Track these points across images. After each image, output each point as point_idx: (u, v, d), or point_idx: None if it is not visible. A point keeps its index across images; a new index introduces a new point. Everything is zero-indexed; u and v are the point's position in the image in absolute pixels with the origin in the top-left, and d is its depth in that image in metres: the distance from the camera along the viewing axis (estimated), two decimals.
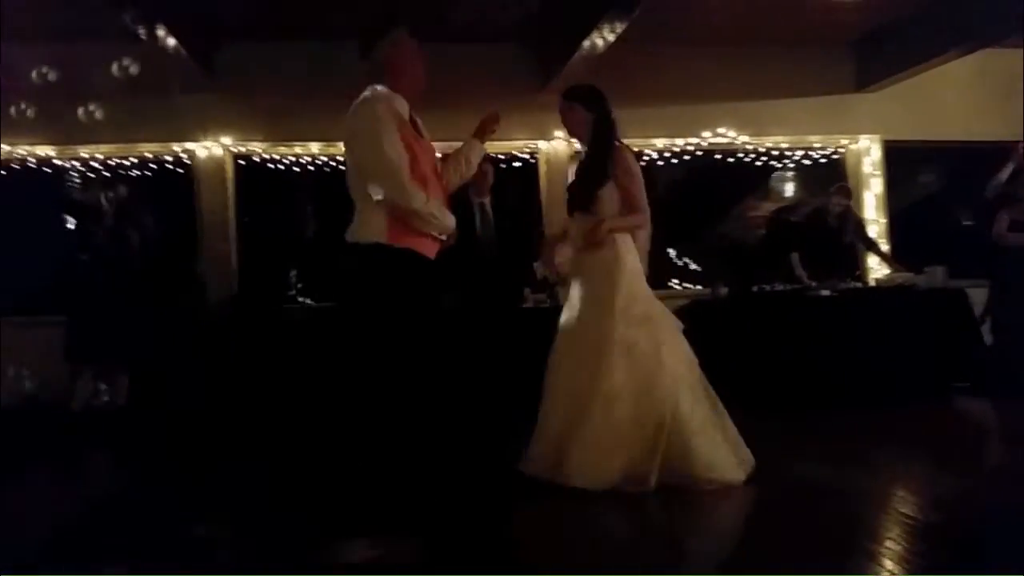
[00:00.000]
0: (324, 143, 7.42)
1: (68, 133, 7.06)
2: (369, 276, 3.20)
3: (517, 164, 7.73)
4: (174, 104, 7.14)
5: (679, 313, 7.16)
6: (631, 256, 3.85)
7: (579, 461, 3.46)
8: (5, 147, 7.08)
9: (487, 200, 5.82)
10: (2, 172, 7.18)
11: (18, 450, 5.27)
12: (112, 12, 5.73)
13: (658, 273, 7.40)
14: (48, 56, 6.70)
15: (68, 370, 5.97)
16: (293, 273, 7.53)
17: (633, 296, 3.76)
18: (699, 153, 7.95)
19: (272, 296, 7.19)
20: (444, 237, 3.37)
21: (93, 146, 7.21)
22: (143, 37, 6.06)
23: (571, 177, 4.17)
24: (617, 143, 4.00)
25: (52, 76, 6.23)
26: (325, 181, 7.47)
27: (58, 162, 7.26)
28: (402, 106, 3.31)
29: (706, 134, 7.86)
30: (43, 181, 7.25)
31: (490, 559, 2.76)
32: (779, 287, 6.90)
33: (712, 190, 8.04)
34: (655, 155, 7.87)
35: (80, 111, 5.96)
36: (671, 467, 3.44)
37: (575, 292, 3.89)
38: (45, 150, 7.20)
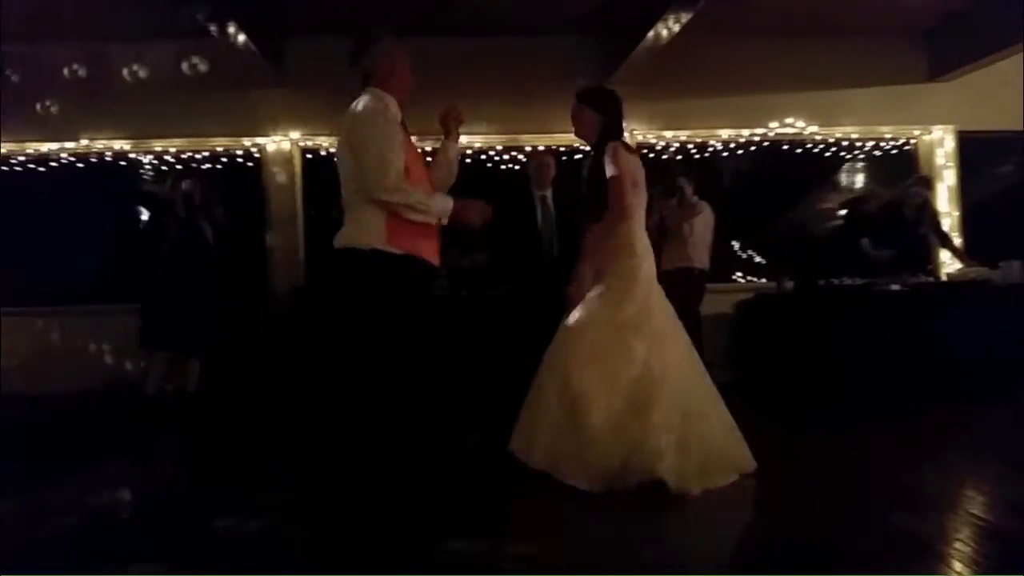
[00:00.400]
0: None
1: (142, 127, 7.31)
2: (368, 282, 3.15)
3: (579, 156, 7.69)
4: (244, 99, 7.34)
5: (742, 307, 7.24)
6: (648, 264, 3.83)
7: (577, 462, 3.48)
8: (84, 141, 7.35)
9: (548, 193, 5.81)
10: (80, 165, 7.46)
11: (95, 433, 5.51)
12: (184, 10, 5.88)
13: (721, 266, 7.39)
14: (122, 54, 6.97)
15: (142, 356, 6.18)
16: None
17: (649, 310, 3.73)
18: (766, 144, 7.82)
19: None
20: (445, 221, 3.31)
21: (166, 140, 7.43)
22: (214, 34, 6.21)
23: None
24: (613, 142, 3.84)
25: (135, 72, 6.47)
26: None
27: (133, 155, 7.50)
28: (396, 109, 3.31)
29: (773, 124, 7.72)
30: (118, 174, 7.51)
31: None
32: (847, 281, 6.76)
33: (778, 181, 7.89)
34: (720, 145, 7.76)
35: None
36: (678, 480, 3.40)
37: (593, 292, 3.85)
38: (121, 144, 7.44)
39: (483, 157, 7.64)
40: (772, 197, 7.87)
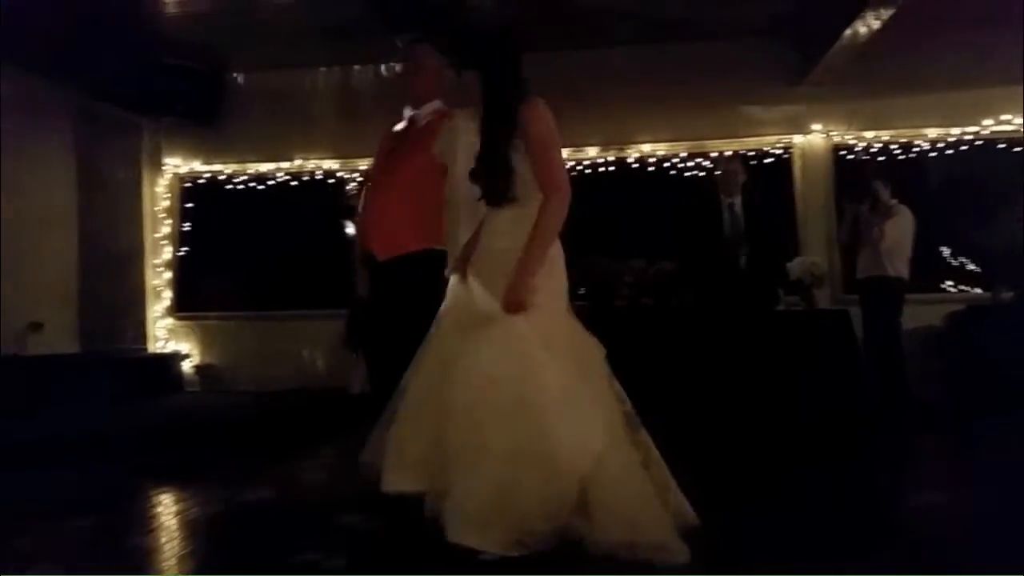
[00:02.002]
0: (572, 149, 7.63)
1: (348, 147, 7.83)
2: None
3: (769, 160, 7.47)
4: None
5: (951, 319, 6.71)
6: (558, 267, 2.87)
7: (464, 515, 2.54)
8: (297, 161, 8.00)
9: (737, 200, 5.70)
10: (293, 183, 8.12)
11: (305, 429, 5.99)
12: (386, 39, 6.28)
13: (928, 274, 6.91)
14: (328, 80, 7.56)
15: (346, 357, 6.64)
16: None
17: (554, 324, 2.80)
18: (979, 143, 7.23)
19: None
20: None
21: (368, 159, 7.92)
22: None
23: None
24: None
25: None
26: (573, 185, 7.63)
27: (340, 174, 8.06)
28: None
29: (987, 121, 7.13)
30: (327, 190, 8.09)
31: None
32: None
33: (994, 182, 7.26)
34: (927, 145, 7.26)
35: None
36: (579, 525, 2.57)
37: (475, 292, 2.85)
38: (328, 164, 8.03)
39: (667, 164, 7.57)
40: (986, 200, 7.25)
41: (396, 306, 3.21)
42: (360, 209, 3.57)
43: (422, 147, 3.28)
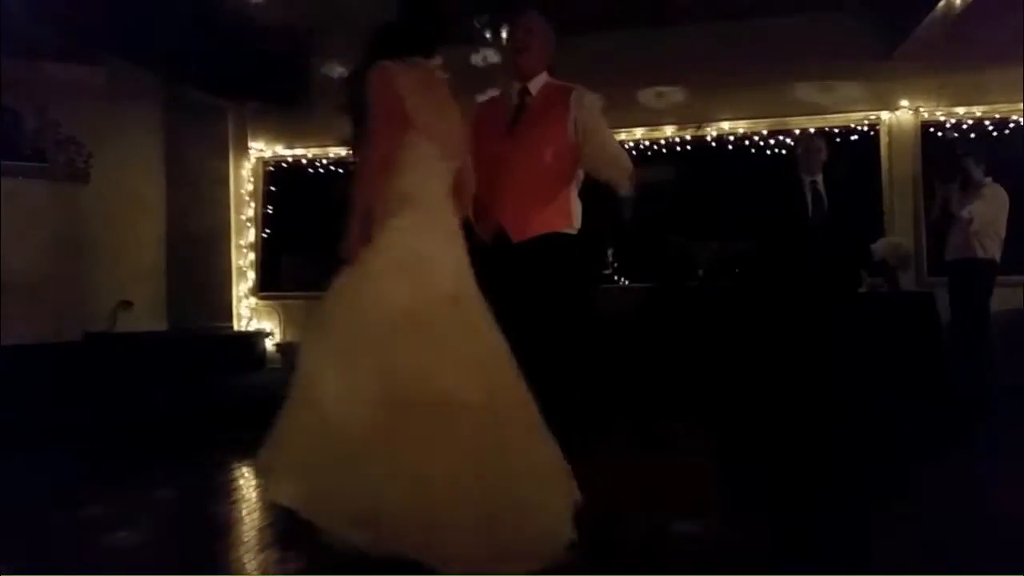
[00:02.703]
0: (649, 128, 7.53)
1: None
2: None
3: (854, 138, 7.22)
4: None
5: None
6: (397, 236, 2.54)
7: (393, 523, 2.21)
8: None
9: (819, 178, 5.54)
10: None
11: None
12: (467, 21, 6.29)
13: (1021, 255, 6.55)
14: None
15: None
16: (610, 251, 7.63)
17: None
18: None
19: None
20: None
21: None
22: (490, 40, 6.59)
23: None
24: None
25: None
26: (649, 163, 7.55)
27: None
28: None
29: None
30: None
31: None
32: None
33: None
34: (1022, 120, 6.89)
35: None
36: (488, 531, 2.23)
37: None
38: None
39: (747, 143, 7.39)
40: None
41: (540, 291, 3.03)
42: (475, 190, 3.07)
43: (552, 121, 3.14)
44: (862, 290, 6.06)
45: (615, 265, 7.55)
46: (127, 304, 6.99)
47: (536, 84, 3.23)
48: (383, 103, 2.53)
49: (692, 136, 7.46)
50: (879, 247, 6.36)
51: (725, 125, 7.39)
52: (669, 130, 7.50)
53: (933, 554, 2.69)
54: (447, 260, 2.57)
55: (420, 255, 2.50)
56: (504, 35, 6.53)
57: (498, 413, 2.37)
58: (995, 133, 6.94)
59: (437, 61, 2.72)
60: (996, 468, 4.10)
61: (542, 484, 2.36)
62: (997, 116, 6.94)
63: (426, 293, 2.46)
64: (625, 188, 3.18)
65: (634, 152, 7.54)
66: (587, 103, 3.14)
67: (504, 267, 3.00)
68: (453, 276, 2.56)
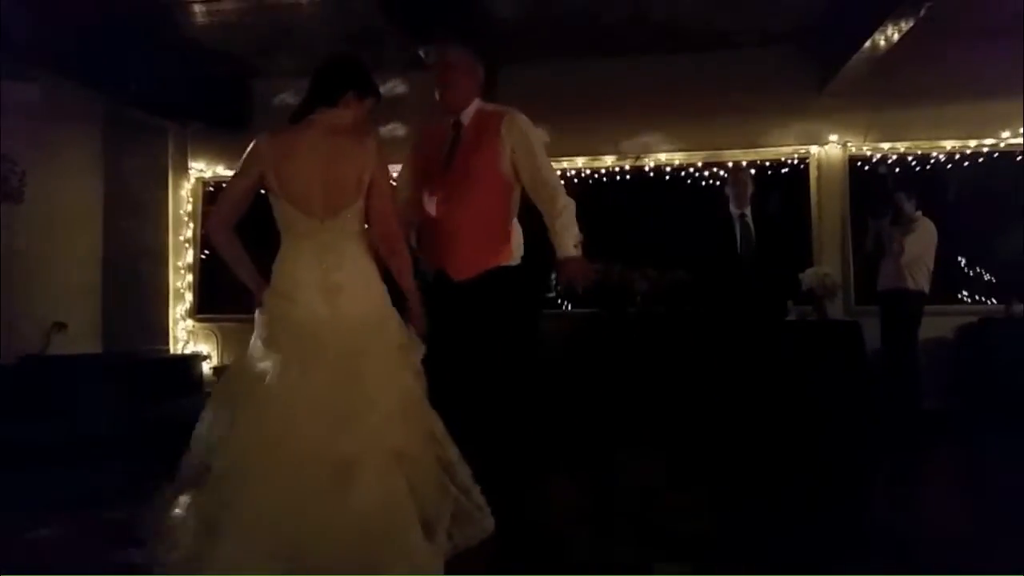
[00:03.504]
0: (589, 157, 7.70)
1: None
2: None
3: (785, 171, 7.48)
4: None
5: (963, 331, 6.68)
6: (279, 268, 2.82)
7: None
8: None
9: (748, 211, 5.73)
10: None
11: None
12: (403, 44, 6.35)
13: (946, 284, 6.85)
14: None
15: None
16: (554, 276, 7.73)
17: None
18: (995, 155, 7.20)
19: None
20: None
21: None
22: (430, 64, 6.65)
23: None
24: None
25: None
26: (589, 193, 7.72)
27: None
28: None
29: (1005, 134, 7.10)
30: None
31: None
32: None
33: (1011, 194, 7.22)
34: (943, 157, 7.24)
35: None
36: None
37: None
38: None
39: (683, 174, 7.59)
40: (1004, 211, 7.21)
41: (483, 330, 3.04)
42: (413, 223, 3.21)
43: (486, 153, 3.13)
44: (790, 319, 6.27)
45: (559, 289, 7.65)
46: (61, 326, 6.85)
47: (467, 114, 3.22)
48: (238, 173, 2.79)
49: (631, 167, 7.64)
50: (807, 277, 6.59)
51: (662, 156, 7.59)
52: (608, 160, 7.67)
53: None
54: (316, 313, 2.65)
55: (288, 318, 2.66)
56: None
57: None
58: (918, 169, 7.26)
59: (339, 111, 2.80)
60: (894, 488, 4.31)
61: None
62: (919, 152, 7.27)
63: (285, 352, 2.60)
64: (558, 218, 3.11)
65: (575, 180, 7.70)
66: (519, 126, 3.14)
67: (447, 306, 3.04)
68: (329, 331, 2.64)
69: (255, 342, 2.69)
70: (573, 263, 3.10)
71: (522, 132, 3.14)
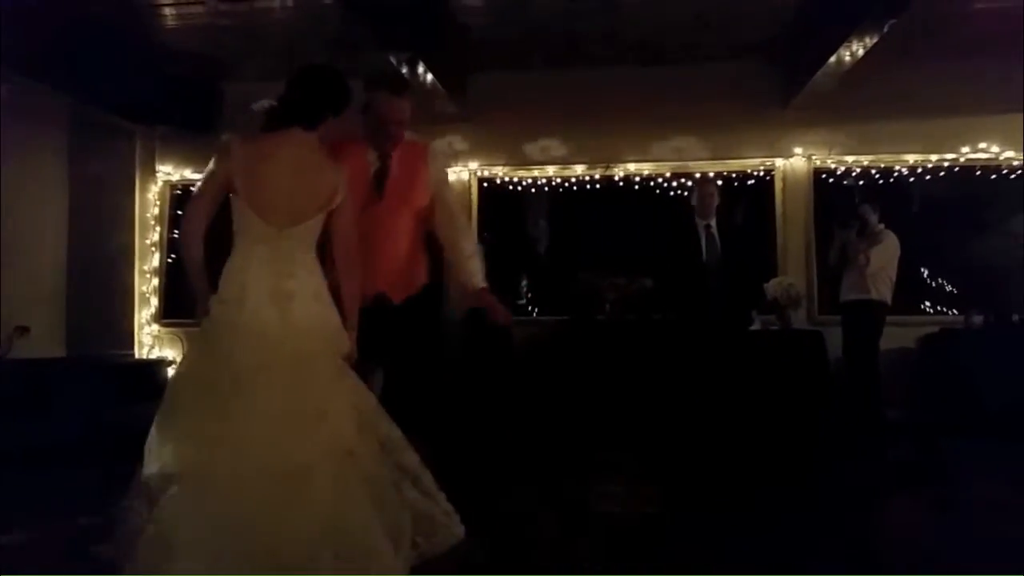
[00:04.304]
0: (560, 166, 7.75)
1: None
2: None
3: (751, 182, 7.59)
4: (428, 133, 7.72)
5: (924, 342, 6.82)
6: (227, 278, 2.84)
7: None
8: None
9: (713, 222, 5.82)
10: None
11: None
12: (375, 55, 6.34)
13: (909, 295, 7.00)
14: None
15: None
16: (524, 283, 7.80)
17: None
18: (956, 169, 7.37)
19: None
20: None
21: None
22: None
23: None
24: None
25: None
26: (560, 202, 7.80)
27: None
28: None
29: (965, 149, 7.27)
30: None
31: None
32: None
33: (973, 208, 7.41)
34: (905, 171, 7.40)
35: None
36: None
37: None
38: None
39: (652, 184, 7.67)
40: (964, 224, 7.39)
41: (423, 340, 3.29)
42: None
43: (414, 183, 3.24)
44: (754, 328, 6.36)
45: (529, 296, 7.71)
46: (24, 329, 6.75)
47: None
48: (207, 176, 2.81)
49: (601, 176, 7.71)
50: (771, 287, 6.69)
51: (632, 167, 7.66)
52: (579, 169, 7.73)
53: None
54: (264, 319, 2.64)
55: (235, 324, 2.64)
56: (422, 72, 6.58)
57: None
58: (881, 182, 7.41)
59: (315, 133, 2.87)
60: (854, 496, 4.40)
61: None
62: (882, 165, 7.42)
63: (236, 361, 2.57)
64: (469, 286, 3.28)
65: (546, 189, 7.75)
66: (440, 160, 3.38)
67: (389, 325, 3.15)
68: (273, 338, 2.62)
69: (198, 348, 2.73)
70: (487, 293, 3.27)
71: (442, 165, 3.40)
